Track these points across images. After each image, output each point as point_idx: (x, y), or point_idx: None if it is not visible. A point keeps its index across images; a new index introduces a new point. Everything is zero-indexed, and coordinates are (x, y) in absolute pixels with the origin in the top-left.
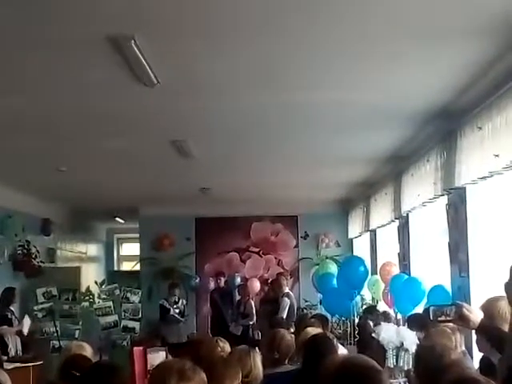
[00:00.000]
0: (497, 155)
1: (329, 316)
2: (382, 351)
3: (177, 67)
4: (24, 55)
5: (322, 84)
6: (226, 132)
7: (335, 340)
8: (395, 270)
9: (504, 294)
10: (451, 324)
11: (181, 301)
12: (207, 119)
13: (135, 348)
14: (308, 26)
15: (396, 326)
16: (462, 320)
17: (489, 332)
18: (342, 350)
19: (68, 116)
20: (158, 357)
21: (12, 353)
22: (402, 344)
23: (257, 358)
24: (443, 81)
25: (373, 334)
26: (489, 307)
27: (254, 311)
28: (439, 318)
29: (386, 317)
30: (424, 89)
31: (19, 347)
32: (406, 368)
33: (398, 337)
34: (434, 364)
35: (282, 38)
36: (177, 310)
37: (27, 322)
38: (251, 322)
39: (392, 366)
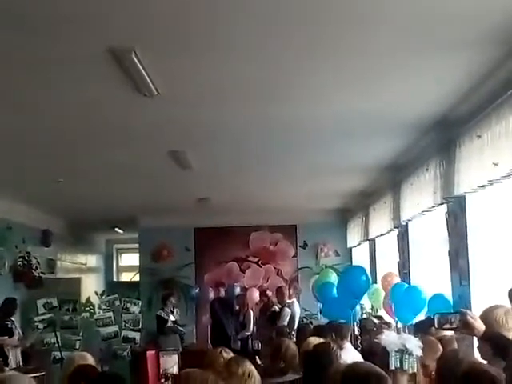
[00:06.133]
0: (496, 164)
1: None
2: (386, 355)
3: (177, 78)
4: (24, 68)
5: (322, 96)
6: (225, 143)
7: (338, 350)
8: (397, 280)
9: (502, 302)
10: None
11: (175, 310)
12: (206, 130)
13: (148, 352)
14: (310, 40)
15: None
16: (466, 328)
17: (493, 339)
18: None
19: (68, 128)
20: (170, 360)
21: (12, 364)
22: (405, 347)
23: (251, 366)
24: (442, 90)
25: (375, 340)
26: (487, 316)
27: (253, 321)
28: (444, 326)
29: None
30: (423, 98)
31: (19, 358)
32: (410, 372)
33: (400, 339)
34: (453, 363)
35: (284, 51)
36: (173, 319)
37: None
38: (248, 333)
39: (394, 368)
